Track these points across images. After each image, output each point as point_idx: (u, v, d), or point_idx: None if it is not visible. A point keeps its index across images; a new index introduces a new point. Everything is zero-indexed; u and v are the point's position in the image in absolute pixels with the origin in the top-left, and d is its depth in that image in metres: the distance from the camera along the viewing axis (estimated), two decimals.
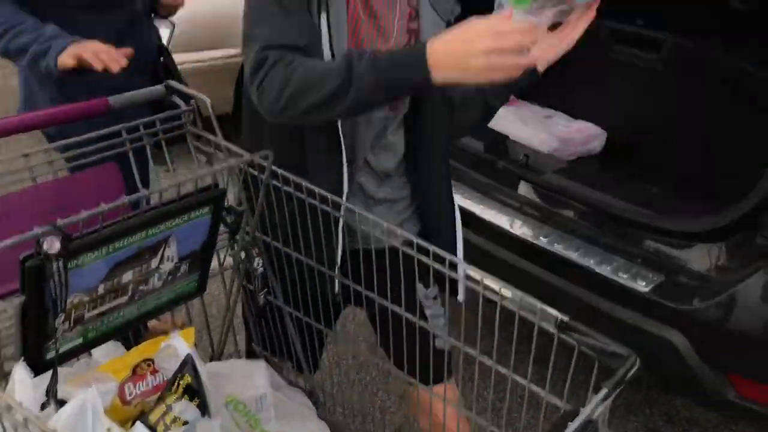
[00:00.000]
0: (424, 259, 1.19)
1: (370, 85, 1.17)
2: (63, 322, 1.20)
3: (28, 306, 1.13)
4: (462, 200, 2.01)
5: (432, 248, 1.17)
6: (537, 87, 2.24)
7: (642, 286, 1.66)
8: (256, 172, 1.43)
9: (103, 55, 1.61)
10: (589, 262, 1.73)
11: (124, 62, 1.62)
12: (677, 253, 1.71)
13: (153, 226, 1.26)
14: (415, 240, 1.20)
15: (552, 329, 1.07)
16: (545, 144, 2.21)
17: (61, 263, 1.08)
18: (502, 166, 2.05)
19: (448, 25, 1.43)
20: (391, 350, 1.53)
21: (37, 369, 1.21)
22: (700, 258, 1.68)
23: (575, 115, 2.41)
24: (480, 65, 1.10)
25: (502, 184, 2.02)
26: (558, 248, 1.79)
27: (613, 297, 1.70)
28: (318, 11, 1.31)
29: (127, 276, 1.27)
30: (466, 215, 1.99)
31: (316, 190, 1.34)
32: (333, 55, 1.32)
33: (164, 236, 1.30)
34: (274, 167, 1.38)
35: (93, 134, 1.46)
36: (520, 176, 1.99)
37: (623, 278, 1.69)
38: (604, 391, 0.94)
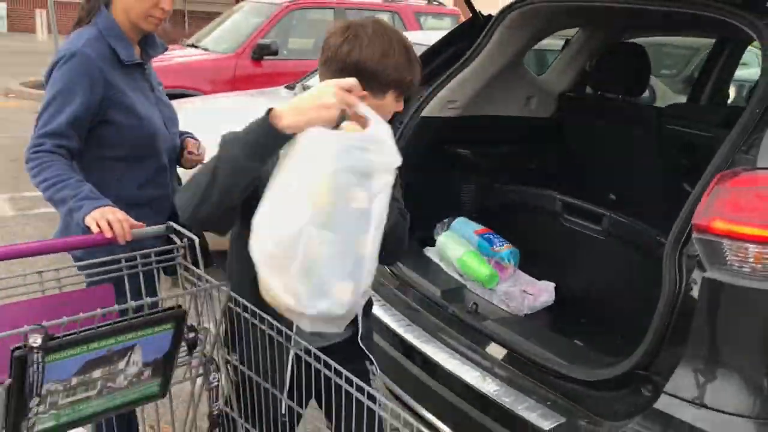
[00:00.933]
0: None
1: (232, 150, 1.48)
2: (38, 404, 1.52)
3: (12, 388, 1.46)
4: (413, 339, 2.33)
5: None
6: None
7: (545, 425, 1.89)
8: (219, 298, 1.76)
9: (116, 225, 1.93)
10: (505, 401, 1.98)
11: (129, 237, 1.93)
12: (579, 398, 1.95)
13: (121, 335, 1.59)
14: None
15: None
16: (497, 298, 2.53)
17: (40, 355, 1.41)
18: (451, 311, 2.37)
19: None
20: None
21: None
22: (596, 403, 1.92)
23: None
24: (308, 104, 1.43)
25: (450, 327, 2.33)
26: (482, 386, 2.06)
27: None
28: None
29: (97, 373, 1.58)
30: (416, 352, 2.30)
31: (274, 322, 1.61)
32: None
33: (130, 344, 1.62)
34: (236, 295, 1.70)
35: (101, 259, 1.84)
36: (465, 321, 2.30)
37: (531, 417, 1.93)
38: None
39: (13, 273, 1.70)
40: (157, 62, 2.46)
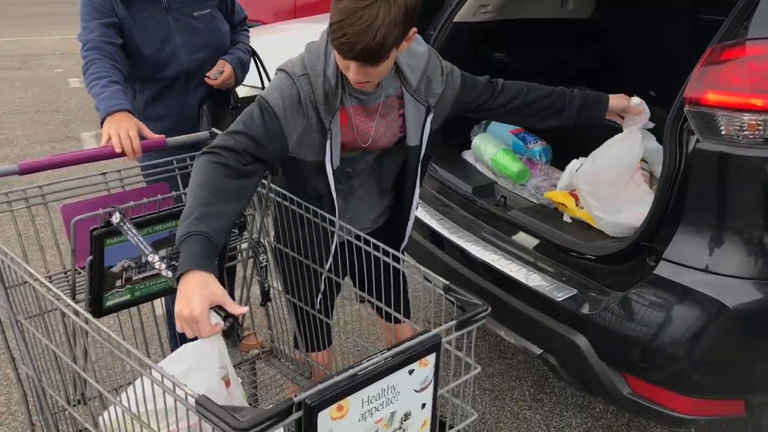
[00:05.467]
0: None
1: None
2: (116, 279, 1.80)
3: (93, 263, 1.75)
4: (444, 231, 2.56)
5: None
6: None
7: (558, 297, 2.08)
8: (263, 191, 2.00)
9: (125, 142, 2.07)
10: (523, 278, 2.20)
11: (140, 154, 2.10)
12: (591, 272, 2.12)
13: (179, 218, 1.85)
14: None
15: (441, 291, 1.53)
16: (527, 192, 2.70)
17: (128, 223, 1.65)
18: (480, 204, 2.57)
19: (428, 110, 1.84)
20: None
21: (98, 314, 1.78)
22: (605, 276, 2.08)
23: None
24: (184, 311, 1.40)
25: (479, 219, 2.54)
26: (505, 267, 2.27)
27: (537, 305, 2.14)
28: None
29: (162, 252, 1.85)
30: (449, 243, 2.52)
31: (318, 211, 1.85)
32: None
33: None
34: (278, 188, 1.94)
35: (157, 161, 2.10)
36: (493, 213, 2.49)
37: (546, 290, 2.12)
38: (454, 322, 1.36)
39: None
40: None
